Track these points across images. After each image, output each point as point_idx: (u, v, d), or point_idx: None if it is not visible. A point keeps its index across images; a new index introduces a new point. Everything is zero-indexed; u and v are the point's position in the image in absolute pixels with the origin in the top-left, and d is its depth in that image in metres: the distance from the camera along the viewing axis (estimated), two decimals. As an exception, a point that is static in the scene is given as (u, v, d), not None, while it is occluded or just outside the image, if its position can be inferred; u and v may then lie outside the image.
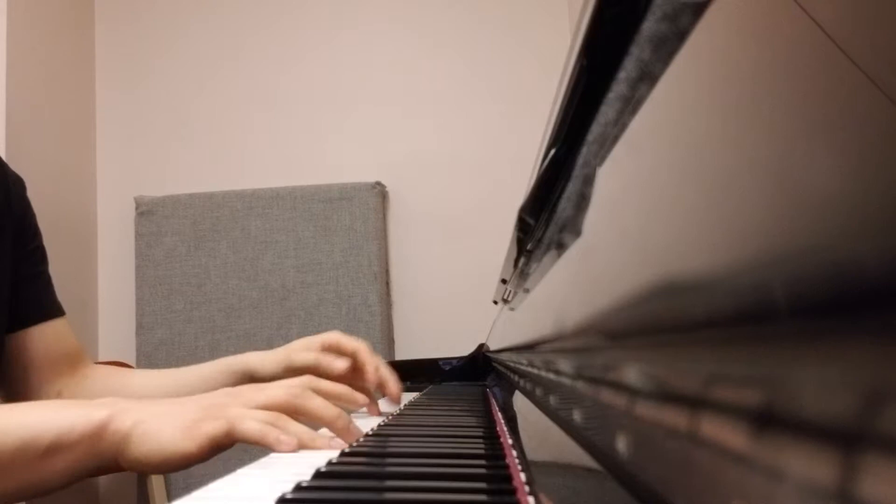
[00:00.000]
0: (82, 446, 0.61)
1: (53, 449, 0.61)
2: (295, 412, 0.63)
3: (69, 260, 2.12)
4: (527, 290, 0.78)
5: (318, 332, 0.97)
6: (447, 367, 1.49)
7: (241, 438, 0.60)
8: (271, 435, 0.59)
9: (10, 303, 0.94)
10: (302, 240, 2.12)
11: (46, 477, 0.61)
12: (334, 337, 0.94)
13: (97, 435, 0.62)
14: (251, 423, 0.59)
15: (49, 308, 0.99)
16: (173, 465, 0.61)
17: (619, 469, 0.25)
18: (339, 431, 0.63)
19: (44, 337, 0.97)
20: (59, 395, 0.96)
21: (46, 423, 0.62)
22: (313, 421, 0.64)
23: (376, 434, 0.66)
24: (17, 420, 0.62)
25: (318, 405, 0.64)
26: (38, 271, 0.99)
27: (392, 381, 0.94)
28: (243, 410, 0.61)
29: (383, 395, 0.96)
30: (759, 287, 0.15)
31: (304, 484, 0.42)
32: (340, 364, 0.90)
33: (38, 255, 1.00)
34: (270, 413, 0.62)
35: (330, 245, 2.11)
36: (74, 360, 1.00)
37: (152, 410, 0.63)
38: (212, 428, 0.60)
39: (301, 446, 0.60)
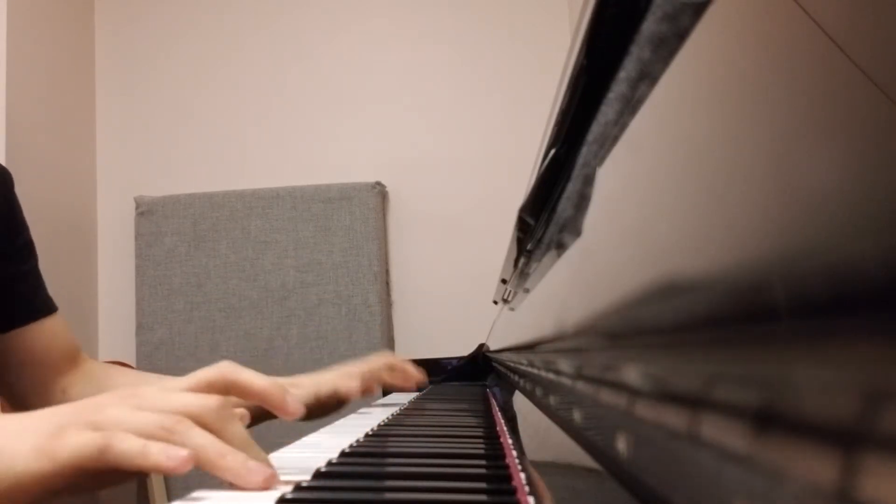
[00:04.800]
0: None
1: None
2: (226, 391, 0.49)
3: (69, 260, 2.12)
4: (527, 290, 0.78)
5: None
6: (450, 366, 1.49)
7: (115, 461, 0.43)
8: (153, 453, 0.43)
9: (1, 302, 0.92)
10: (302, 240, 2.12)
11: None
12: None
13: None
14: (132, 441, 0.43)
15: (42, 305, 0.97)
16: (30, 492, 0.45)
17: (619, 469, 0.25)
18: (276, 405, 0.50)
19: (41, 335, 0.95)
20: (63, 393, 0.95)
21: None
22: (249, 400, 0.50)
23: (376, 434, 0.66)
24: None
25: (249, 377, 0.49)
26: (27, 268, 0.97)
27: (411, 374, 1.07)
28: (130, 415, 0.45)
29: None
30: (758, 287, 0.15)
31: (304, 484, 0.42)
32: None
33: (26, 251, 0.97)
34: (170, 417, 0.44)
35: (330, 245, 2.11)
36: (74, 356, 0.99)
37: (14, 424, 0.48)
38: (77, 442, 0.44)
39: (203, 462, 0.43)
